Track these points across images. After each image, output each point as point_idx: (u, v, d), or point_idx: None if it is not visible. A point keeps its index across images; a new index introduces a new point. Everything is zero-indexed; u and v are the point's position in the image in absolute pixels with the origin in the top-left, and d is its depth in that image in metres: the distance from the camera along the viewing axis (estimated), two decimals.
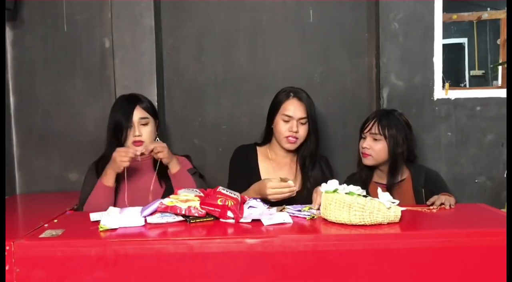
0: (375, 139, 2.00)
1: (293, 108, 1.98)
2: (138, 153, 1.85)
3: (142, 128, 1.93)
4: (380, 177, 2.07)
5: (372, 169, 2.08)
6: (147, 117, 1.95)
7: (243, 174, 2.04)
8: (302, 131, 1.99)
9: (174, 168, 1.93)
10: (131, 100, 1.97)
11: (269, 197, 1.76)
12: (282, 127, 1.99)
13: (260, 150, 2.11)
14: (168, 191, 1.85)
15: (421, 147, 2.13)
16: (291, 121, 1.97)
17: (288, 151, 2.05)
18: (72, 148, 2.47)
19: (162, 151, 1.88)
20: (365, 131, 2.03)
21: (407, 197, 1.99)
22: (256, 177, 2.04)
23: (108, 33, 2.43)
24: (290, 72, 2.53)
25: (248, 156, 2.09)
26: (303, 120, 1.98)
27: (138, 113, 1.93)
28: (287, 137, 1.98)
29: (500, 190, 2.41)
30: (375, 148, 2.00)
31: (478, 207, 1.78)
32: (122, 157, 1.81)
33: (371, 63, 2.52)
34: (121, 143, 1.92)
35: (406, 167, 2.05)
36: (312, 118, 2.01)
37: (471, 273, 1.37)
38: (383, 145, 1.99)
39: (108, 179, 1.86)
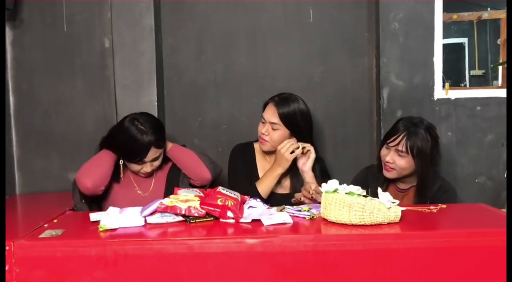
0: (400, 156, 1.91)
1: (268, 112, 2.02)
2: None
3: (153, 163, 1.92)
4: (400, 184, 2.03)
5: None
6: (159, 155, 1.92)
7: (244, 171, 2.06)
8: (274, 136, 2.01)
9: (167, 147, 1.99)
10: (146, 142, 1.84)
11: (283, 151, 1.94)
12: (258, 128, 2.06)
13: (257, 147, 2.14)
14: None
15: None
16: (264, 124, 2.03)
17: (265, 152, 2.09)
18: (72, 148, 2.47)
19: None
20: (390, 144, 1.93)
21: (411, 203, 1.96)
22: (255, 174, 2.07)
23: (108, 33, 2.43)
24: (290, 72, 2.53)
25: (246, 153, 2.12)
26: (274, 126, 2.00)
27: (152, 155, 1.88)
28: (259, 137, 2.05)
29: (500, 190, 2.41)
30: (398, 163, 1.91)
31: (478, 207, 1.78)
32: None
33: (371, 63, 2.52)
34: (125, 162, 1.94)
35: None
36: (291, 126, 2.00)
37: (471, 273, 1.37)
38: (407, 161, 1.90)
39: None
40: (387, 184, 2.03)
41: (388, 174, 1.96)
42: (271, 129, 2.01)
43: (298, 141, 2.01)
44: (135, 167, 1.90)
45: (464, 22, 3.10)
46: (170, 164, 2.03)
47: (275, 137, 2.01)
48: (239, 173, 2.06)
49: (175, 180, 1.99)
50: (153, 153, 1.87)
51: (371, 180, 2.04)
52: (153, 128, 1.87)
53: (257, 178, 2.05)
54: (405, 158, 1.90)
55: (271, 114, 2.01)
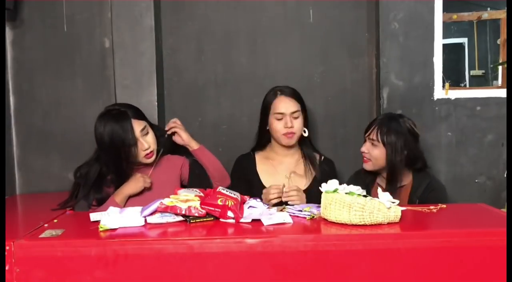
0: (373, 145, 1.98)
1: (283, 105, 2.03)
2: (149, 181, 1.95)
3: (146, 139, 1.92)
4: (382, 182, 2.05)
5: (374, 173, 2.06)
6: (145, 126, 1.93)
7: (242, 186, 2.05)
8: (297, 125, 2.03)
9: (194, 145, 2.05)
10: (122, 117, 1.87)
11: (263, 196, 1.89)
12: (277, 126, 2.03)
13: (258, 155, 2.15)
14: None
15: (421, 147, 2.13)
16: (285, 118, 2.01)
17: (288, 149, 2.09)
18: (72, 148, 2.46)
19: (176, 127, 2.04)
20: (366, 135, 2.02)
21: (401, 204, 1.97)
22: (257, 182, 2.07)
23: (108, 33, 2.43)
24: (290, 72, 2.53)
25: (245, 165, 2.13)
26: (295, 114, 2.02)
27: (137, 127, 1.88)
28: (284, 134, 2.03)
29: (500, 190, 2.41)
30: (372, 154, 1.98)
31: (478, 207, 1.78)
32: (146, 183, 1.93)
33: (371, 63, 2.52)
34: (128, 160, 1.90)
35: (411, 174, 2.01)
36: (303, 105, 2.08)
37: (471, 273, 1.38)
38: (380, 151, 1.96)
39: (123, 199, 1.89)
40: (371, 185, 2.06)
41: (365, 165, 2.03)
42: (294, 119, 2.02)
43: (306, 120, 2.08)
44: (138, 154, 1.91)
45: (464, 22, 3.10)
46: (189, 160, 2.10)
47: (299, 126, 2.04)
48: (238, 189, 2.05)
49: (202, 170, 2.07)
50: (136, 125, 1.88)
51: (360, 184, 2.05)
52: (125, 106, 1.94)
53: (260, 184, 2.04)
54: (377, 147, 1.97)
55: (289, 104, 2.03)
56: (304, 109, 2.08)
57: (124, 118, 1.87)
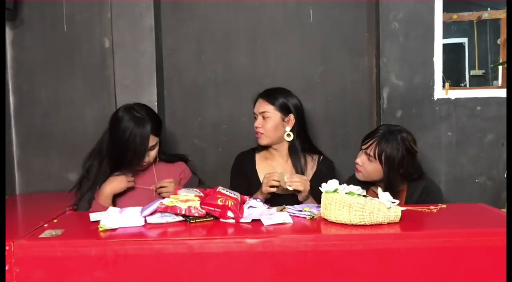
0: (369, 160, 1.94)
1: (256, 105, 2.08)
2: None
3: (150, 153, 1.94)
4: (377, 189, 2.04)
5: (367, 182, 2.02)
6: (156, 143, 1.94)
7: (241, 182, 2.07)
8: (265, 125, 2.03)
9: None
10: (145, 128, 1.87)
11: (264, 182, 1.88)
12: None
13: (259, 154, 2.15)
14: None
15: (421, 147, 2.12)
16: (257, 118, 2.06)
17: (281, 149, 2.09)
18: (72, 148, 2.46)
19: (167, 190, 1.94)
20: (363, 146, 1.97)
21: None
22: (256, 180, 2.07)
23: (108, 33, 2.43)
24: (290, 72, 2.53)
25: (245, 162, 2.13)
26: (264, 114, 2.03)
27: (151, 142, 1.91)
28: (255, 133, 2.06)
29: (500, 190, 2.41)
30: (366, 168, 1.95)
31: (478, 207, 1.78)
32: (128, 183, 1.93)
33: (371, 63, 2.52)
34: (127, 161, 1.91)
35: (407, 181, 1.99)
36: (278, 105, 2.03)
37: (471, 273, 1.38)
38: (375, 168, 1.93)
39: (108, 200, 1.89)
40: (367, 191, 2.03)
41: (357, 175, 2.00)
42: (263, 120, 2.03)
43: (297, 121, 2.04)
44: (134, 162, 1.91)
45: (464, 22, 3.10)
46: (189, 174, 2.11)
47: (268, 126, 2.03)
48: (235, 186, 2.05)
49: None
50: (151, 140, 1.90)
51: None
52: (152, 118, 1.93)
53: (258, 182, 2.04)
54: (373, 163, 1.93)
55: (259, 105, 2.05)
56: (284, 112, 2.03)
57: (146, 129, 1.88)
